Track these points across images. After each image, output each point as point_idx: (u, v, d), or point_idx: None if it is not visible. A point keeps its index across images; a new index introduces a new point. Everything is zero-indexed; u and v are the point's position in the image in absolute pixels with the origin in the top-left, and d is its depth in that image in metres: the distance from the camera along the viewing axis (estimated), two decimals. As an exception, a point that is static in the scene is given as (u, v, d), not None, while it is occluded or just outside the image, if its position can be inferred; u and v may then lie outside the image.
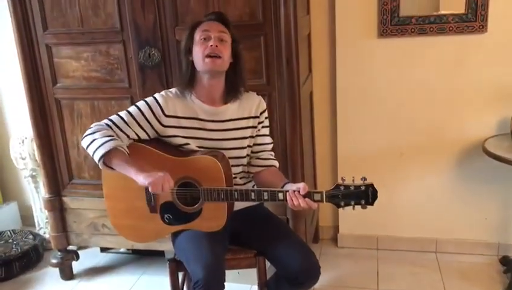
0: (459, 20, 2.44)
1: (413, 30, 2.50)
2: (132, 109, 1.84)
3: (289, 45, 2.13)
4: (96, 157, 1.72)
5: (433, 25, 2.47)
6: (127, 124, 1.80)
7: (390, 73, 2.60)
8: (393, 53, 2.57)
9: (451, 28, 2.46)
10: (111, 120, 1.81)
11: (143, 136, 1.82)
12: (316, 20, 2.68)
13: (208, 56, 1.76)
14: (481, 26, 2.43)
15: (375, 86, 2.64)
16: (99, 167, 1.75)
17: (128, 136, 1.81)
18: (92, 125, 1.80)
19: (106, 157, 1.71)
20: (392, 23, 2.51)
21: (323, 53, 2.72)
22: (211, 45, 1.76)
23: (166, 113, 1.82)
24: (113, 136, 1.75)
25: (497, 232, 2.70)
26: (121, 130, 1.79)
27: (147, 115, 1.81)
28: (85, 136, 1.77)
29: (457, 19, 2.45)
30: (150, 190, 1.65)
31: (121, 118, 1.81)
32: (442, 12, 2.48)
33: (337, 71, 2.67)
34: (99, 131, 1.75)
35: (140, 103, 1.84)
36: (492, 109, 2.53)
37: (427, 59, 2.54)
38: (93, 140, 1.73)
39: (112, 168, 1.73)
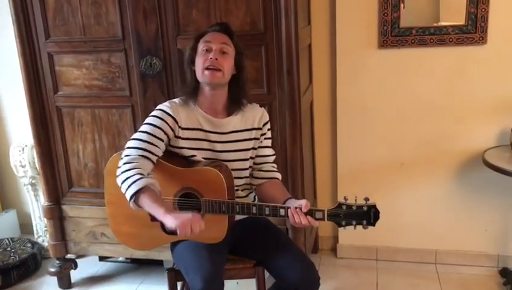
0: (459, 31, 2.46)
1: (413, 41, 2.52)
2: (149, 128, 1.78)
3: (290, 55, 2.14)
4: (128, 196, 1.67)
5: (433, 36, 2.49)
6: (156, 146, 1.76)
7: (390, 84, 2.61)
8: (394, 64, 2.58)
9: (451, 40, 2.48)
10: (144, 149, 1.75)
11: (164, 150, 1.81)
12: (316, 31, 2.69)
13: (207, 68, 1.76)
14: (481, 38, 2.44)
15: (375, 96, 2.64)
16: (131, 206, 1.69)
17: (159, 157, 1.79)
18: (125, 160, 1.73)
19: (137, 196, 1.66)
20: (393, 34, 2.53)
21: (323, 63, 2.73)
22: (211, 58, 1.76)
23: (179, 124, 1.81)
24: (143, 174, 1.70)
25: (497, 243, 2.69)
26: (155, 155, 1.76)
27: (164, 130, 1.78)
28: (120, 174, 1.71)
29: (457, 30, 2.46)
30: (178, 233, 1.60)
31: (148, 142, 1.76)
32: (442, 23, 2.49)
33: (338, 82, 2.68)
34: (134, 169, 1.70)
35: (154, 120, 1.79)
36: (492, 120, 2.53)
37: (427, 70, 2.55)
38: (127, 178, 1.68)
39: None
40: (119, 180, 1.71)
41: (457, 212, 2.70)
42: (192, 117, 1.83)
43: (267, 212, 1.72)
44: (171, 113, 1.80)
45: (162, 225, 1.80)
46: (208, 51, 1.78)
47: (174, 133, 1.81)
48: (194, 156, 1.83)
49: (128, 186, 1.67)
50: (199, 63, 1.79)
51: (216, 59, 1.76)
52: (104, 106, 2.42)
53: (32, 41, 2.40)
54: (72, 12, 2.33)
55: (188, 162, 1.83)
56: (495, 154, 2.42)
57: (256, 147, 1.93)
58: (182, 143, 1.82)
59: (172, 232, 1.66)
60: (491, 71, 2.48)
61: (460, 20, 2.45)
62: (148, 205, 1.67)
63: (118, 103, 2.40)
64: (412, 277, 2.69)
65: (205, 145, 1.84)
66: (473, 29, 2.44)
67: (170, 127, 1.79)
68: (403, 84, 2.60)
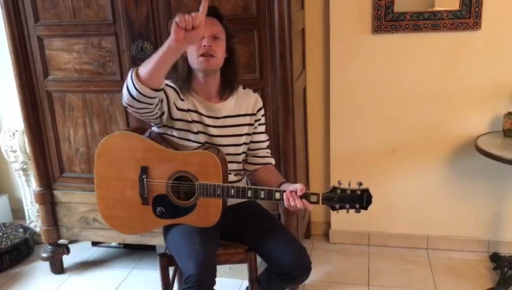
0: (453, 16, 2.44)
1: (407, 26, 2.50)
2: None
3: (283, 40, 2.12)
4: (129, 80, 1.58)
5: (428, 21, 2.47)
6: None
7: (383, 69, 2.60)
8: (387, 49, 2.57)
9: (445, 25, 2.46)
10: None
11: (164, 106, 1.75)
12: (310, 15, 2.67)
13: (202, 55, 1.74)
14: (475, 23, 2.43)
15: (369, 82, 2.63)
16: (137, 88, 1.56)
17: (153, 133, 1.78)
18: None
19: (135, 70, 1.58)
20: (386, 19, 2.51)
21: (317, 48, 2.71)
22: (205, 45, 1.73)
23: (181, 97, 1.80)
24: None
25: (488, 229, 2.72)
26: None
27: (166, 90, 1.75)
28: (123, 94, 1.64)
29: (451, 15, 2.45)
30: (179, 24, 1.45)
31: None
32: (437, 8, 2.47)
33: (331, 67, 2.66)
34: None
35: None
36: (485, 106, 2.53)
37: (421, 55, 2.54)
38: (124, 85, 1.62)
39: (150, 84, 1.58)
40: (124, 96, 1.62)
41: (449, 198, 2.71)
42: (188, 99, 1.83)
43: (262, 196, 1.72)
44: (173, 86, 1.80)
45: (154, 208, 1.81)
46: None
47: (176, 105, 1.78)
48: (197, 134, 1.82)
49: (126, 81, 1.60)
50: (192, 51, 1.76)
51: (210, 46, 1.74)
52: (95, 90, 2.40)
53: (21, 25, 2.36)
54: (62, -6, 2.29)
55: (182, 146, 1.82)
56: (487, 140, 2.43)
57: (250, 132, 1.93)
58: (178, 120, 1.80)
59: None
60: (485, 57, 2.47)
61: (454, 5, 2.43)
62: (149, 59, 1.57)
63: (109, 88, 2.38)
64: (404, 261, 2.71)
65: (199, 128, 1.83)
66: (468, 15, 2.43)
67: (172, 93, 1.78)
68: (397, 70, 2.59)
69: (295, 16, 2.28)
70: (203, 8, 1.49)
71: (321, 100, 2.79)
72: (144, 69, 1.57)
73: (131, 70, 1.60)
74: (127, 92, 1.60)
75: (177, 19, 1.46)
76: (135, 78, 1.57)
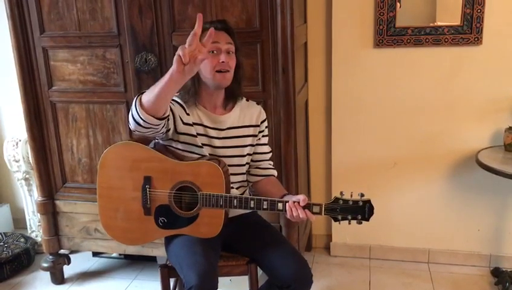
0: (455, 32, 2.47)
1: (409, 41, 2.52)
2: None
3: (285, 53, 2.14)
4: (133, 109, 1.60)
5: (429, 36, 2.49)
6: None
7: (385, 83, 2.62)
8: (389, 63, 2.59)
9: (446, 40, 2.48)
10: None
11: (170, 124, 1.76)
12: (312, 29, 2.70)
13: (219, 71, 1.75)
14: (476, 39, 2.45)
15: (370, 96, 2.65)
16: (141, 117, 1.58)
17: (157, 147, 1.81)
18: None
19: (140, 99, 1.59)
20: (388, 33, 2.53)
21: (319, 62, 2.74)
22: (222, 61, 1.75)
23: (186, 112, 1.81)
24: None
25: (490, 243, 2.71)
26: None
27: (172, 108, 1.77)
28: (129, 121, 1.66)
29: (452, 30, 2.47)
30: (182, 59, 1.46)
31: None
32: (438, 23, 2.50)
33: (333, 81, 2.68)
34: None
35: None
36: (486, 120, 2.54)
37: (422, 70, 2.56)
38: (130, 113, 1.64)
39: (154, 114, 1.59)
40: (129, 120, 1.64)
41: (450, 212, 2.71)
42: (192, 112, 1.84)
43: (265, 206, 1.72)
44: (179, 101, 1.82)
45: (156, 219, 1.81)
46: (216, 52, 1.76)
47: (182, 119, 1.80)
48: (201, 147, 1.83)
49: (131, 109, 1.62)
50: (207, 66, 1.76)
51: (228, 62, 1.76)
52: (98, 101, 2.41)
53: (26, 36, 2.39)
54: (68, 7, 2.32)
55: (185, 156, 1.83)
56: (488, 154, 2.43)
57: (254, 143, 1.94)
58: (183, 134, 1.81)
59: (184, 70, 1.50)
60: (486, 72, 2.49)
61: (456, 20, 2.46)
62: (153, 87, 1.57)
63: (112, 99, 2.39)
64: (405, 275, 2.70)
65: (203, 140, 1.84)
66: (469, 30, 2.45)
67: (178, 108, 1.79)
68: (398, 84, 2.60)
69: (298, 30, 2.30)
70: (198, 25, 1.49)
71: (323, 113, 2.80)
72: (147, 98, 1.58)
73: (135, 98, 1.62)
74: (133, 120, 1.63)
75: (180, 52, 1.47)
76: (139, 108, 1.59)
